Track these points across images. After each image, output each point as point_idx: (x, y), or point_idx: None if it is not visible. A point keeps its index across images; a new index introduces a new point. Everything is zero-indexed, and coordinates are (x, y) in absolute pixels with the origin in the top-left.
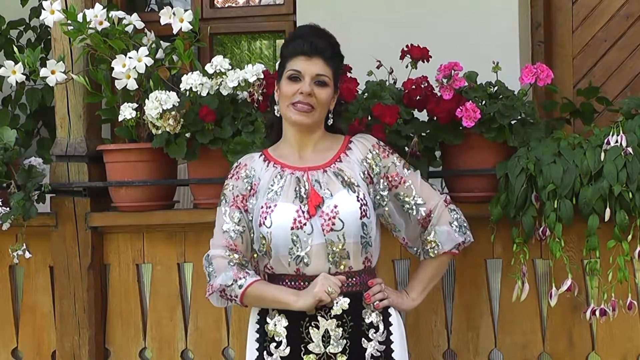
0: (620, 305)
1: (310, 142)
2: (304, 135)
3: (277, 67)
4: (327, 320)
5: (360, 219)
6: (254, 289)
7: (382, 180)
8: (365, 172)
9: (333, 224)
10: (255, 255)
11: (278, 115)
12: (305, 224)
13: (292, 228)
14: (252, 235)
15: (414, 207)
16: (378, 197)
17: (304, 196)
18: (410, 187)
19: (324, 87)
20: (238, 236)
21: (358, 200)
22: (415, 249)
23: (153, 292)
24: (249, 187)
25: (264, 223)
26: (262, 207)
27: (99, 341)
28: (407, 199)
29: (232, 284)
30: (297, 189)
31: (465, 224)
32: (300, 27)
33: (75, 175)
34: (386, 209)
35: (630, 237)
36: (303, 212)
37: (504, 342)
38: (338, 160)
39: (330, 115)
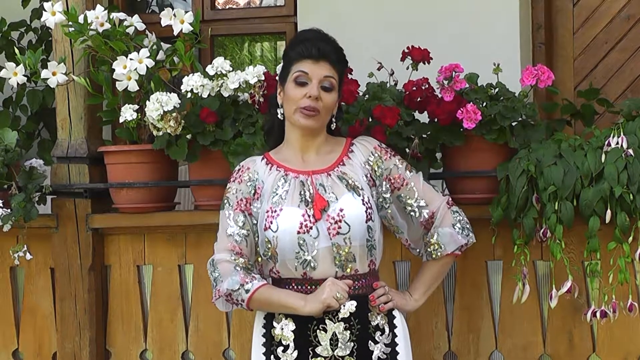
0: (620, 306)
1: (314, 145)
2: (308, 139)
3: (279, 70)
4: (334, 323)
5: (366, 222)
6: (260, 293)
7: (384, 183)
8: (368, 175)
9: (339, 227)
10: (259, 259)
11: (281, 118)
12: (311, 228)
13: (298, 232)
14: (256, 239)
15: (416, 209)
16: (381, 200)
17: (309, 200)
18: (413, 189)
19: (329, 91)
20: (243, 240)
21: (363, 204)
22: (418, 250)
23: (154, 294)
24: (253, 191)
25: (269, 227)
26: (267, 212)
27: (99, 342)
28: (409, 201)
29: (238, 289)
30: (302, 192)
31: (468, 226)
32: (304, 31)
33: (76, 177)
34: (389, 211)
35: (630, 238)
36: (309, 216)
37: (504, 344)
38: (341, 163)
39: (333, 119)
